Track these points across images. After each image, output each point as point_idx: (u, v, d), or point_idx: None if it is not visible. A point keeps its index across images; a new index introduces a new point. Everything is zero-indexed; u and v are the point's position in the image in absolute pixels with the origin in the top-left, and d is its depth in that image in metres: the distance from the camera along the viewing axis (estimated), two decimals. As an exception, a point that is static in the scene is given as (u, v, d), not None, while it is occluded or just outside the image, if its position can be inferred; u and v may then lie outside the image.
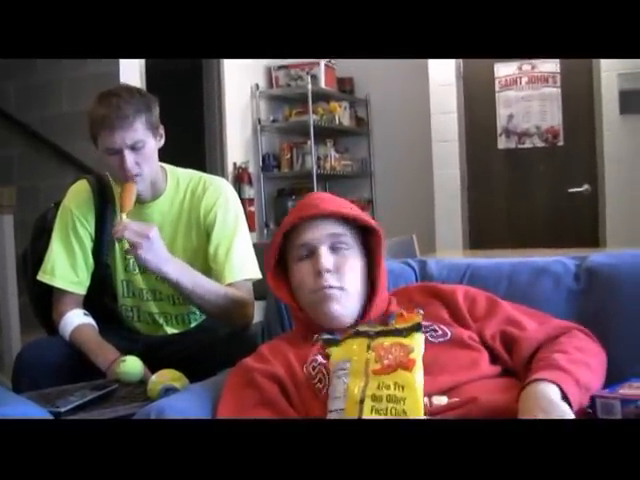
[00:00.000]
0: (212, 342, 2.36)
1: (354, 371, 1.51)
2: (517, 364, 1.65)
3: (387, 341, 1.53)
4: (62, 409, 1.87)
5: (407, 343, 1.51)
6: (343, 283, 1.73)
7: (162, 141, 2.39)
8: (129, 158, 2.25)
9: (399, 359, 1.48)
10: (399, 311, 1.66)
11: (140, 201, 2.38)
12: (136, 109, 2.25)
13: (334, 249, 1.75)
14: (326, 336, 1.66)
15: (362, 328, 1.62)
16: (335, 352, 1.59)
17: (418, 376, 1.46)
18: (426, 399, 1.47)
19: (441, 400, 1.50)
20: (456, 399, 1.50)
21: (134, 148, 2.26)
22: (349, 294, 1.74)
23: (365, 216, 1.81)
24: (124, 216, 2.23)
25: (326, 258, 1.73)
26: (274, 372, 1.66)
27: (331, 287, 1.72)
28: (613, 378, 1.60)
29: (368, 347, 1.54)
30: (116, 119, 2.22)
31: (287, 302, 1.83)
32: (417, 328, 1.55)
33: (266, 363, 1.70)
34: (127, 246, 2.19)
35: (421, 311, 1.62)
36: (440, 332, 1.68)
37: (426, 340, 1.58)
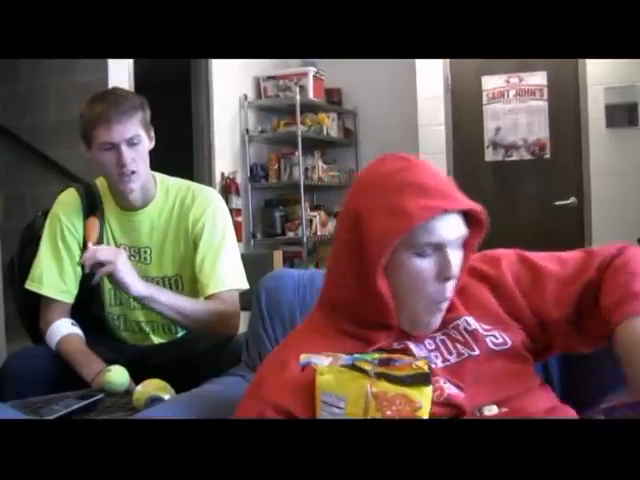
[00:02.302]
0: (198, 352, 2.36)
1: (350, 414, 1.34)
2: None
3: (390, 390, 1.34)
4: (47, 418, 1.86)
5: (414, 398, 1.33)
6: (452, 292, 1.51)
7: (153, 143, 2.40)
8: (127, 153, 2.26)
9: (403, 414, 1.32)
10: (408, 359, 1.42)
11: (130, 208, 2.40)
12: (132, 105, 2.29)
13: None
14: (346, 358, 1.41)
15: (360, 364, 1.38)
16: (325, 378, 1.38)
17: None
18: (477, 411, 1.41)
19: (492, 410, 1.43)
20: (505, 409, 1.43)
21: (131, 144, 2.27)
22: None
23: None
24: (90, 244, 2.27)
25: (457, 263, 1.48)
26: (289, 411, 1.40)
27: (446, 300, 1.50)
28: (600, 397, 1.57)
29: (367, 390, 1.34)
30: (115, 114, 2.24)
31: (387, 296, 1.46)
32: (425, 381, 1.34)
33: (283, 393, 1.42)
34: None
35: (432, 363, 1.45)
36: (501, 340, 1.51)
37: (486, 347, 1.49)
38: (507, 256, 1.65)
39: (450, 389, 1.43)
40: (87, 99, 2.34)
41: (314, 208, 6.44)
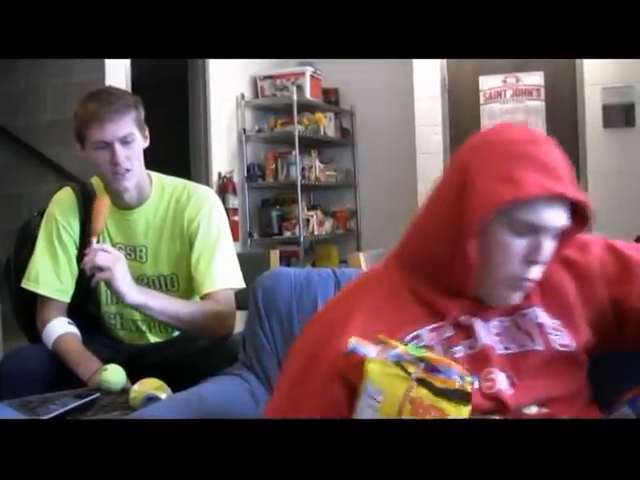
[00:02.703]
0: (195, 351, 2.36)
1: (384, 410, 1.30)
2: None
3: (429, 399, 1.29)
4: (43, 417, 1.86)
5: (449, 413, 1.28)
6: (539, 276, 1.46)
7: (147, 142, 2.40)
8: (120, 152, 2.26)
9: None
10: (457, 370, 1.35)
11: (125, 207, 2.40)
12: (125, 104, 2.28)
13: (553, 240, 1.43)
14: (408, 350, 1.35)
15: (405, 364, 1.33)
16: (373, 367, 1.32)
17: None
18: (518, 410, 1.39)
19: (531, 410, 1.40)
20: (546, 410, 1.40)
21: (124, 142, 2.27)
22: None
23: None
24: (94, 241, 2.25)
25: (548, 251, 1.42)
26: (351, 381, 1.34)
27: (529, 281, 1.44)
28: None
29: (405, 393, 1.30)
30: (107, 112, 2.24)
31: (473, 261, 1.41)
32: (465, 400, 1.30)
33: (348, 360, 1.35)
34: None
35: (475, 383, 1.39)
36: (566, 341, 1.48)
37: (549, 344, 1.47)
38: (596, 243, 1.59)
39: (501, 383, 1.42)
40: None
41: (311, 208, 6.44)
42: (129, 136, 2.28)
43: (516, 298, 1.46)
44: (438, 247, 1.46)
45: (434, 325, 1.46)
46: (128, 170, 2.30)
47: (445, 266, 1.45)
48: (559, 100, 5.93)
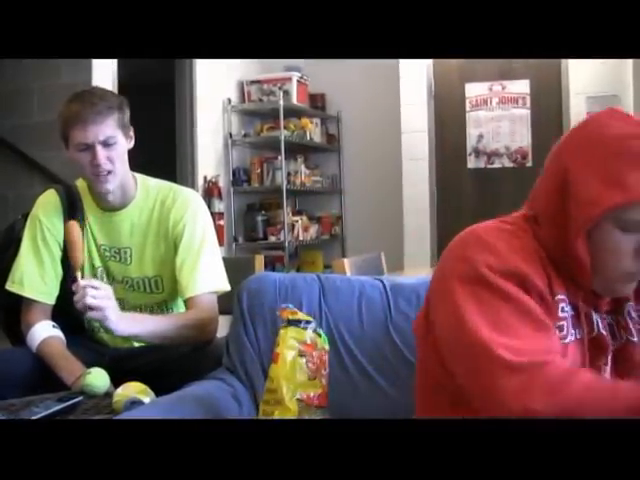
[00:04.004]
0: (178, 356, 2.35)
1: None
2: None
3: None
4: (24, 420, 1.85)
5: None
6: None
7: (132, 143, 2.39)
8: (101, 153, 2.25)
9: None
10: None
11: (110, 208, 2.39)
12: (109, 106, 2.28)
13: None
14: None
15: None
16: None
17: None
18: None
19: None
20: None
21: (106, 144, 2.26)
22: None
23: None
24: (79, 276, 2.18)
25: None
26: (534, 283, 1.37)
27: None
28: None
29: None
30: (90, 114, 2.23)
31: (585, 261, 1.37)
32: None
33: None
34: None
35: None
36: None
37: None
38: None
39: (606, 373, 1.44)
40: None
41: (296, 213, 6.45)
42: (111, 139, 2.27)
43: (629, 289, 1.45)
44: (552, 241, 1.42)
45: (570, 299, 1.44)
46: (110, 172, 2.29)
47: (562, 262, 1.42)
48: (544, 108, 5.96)
